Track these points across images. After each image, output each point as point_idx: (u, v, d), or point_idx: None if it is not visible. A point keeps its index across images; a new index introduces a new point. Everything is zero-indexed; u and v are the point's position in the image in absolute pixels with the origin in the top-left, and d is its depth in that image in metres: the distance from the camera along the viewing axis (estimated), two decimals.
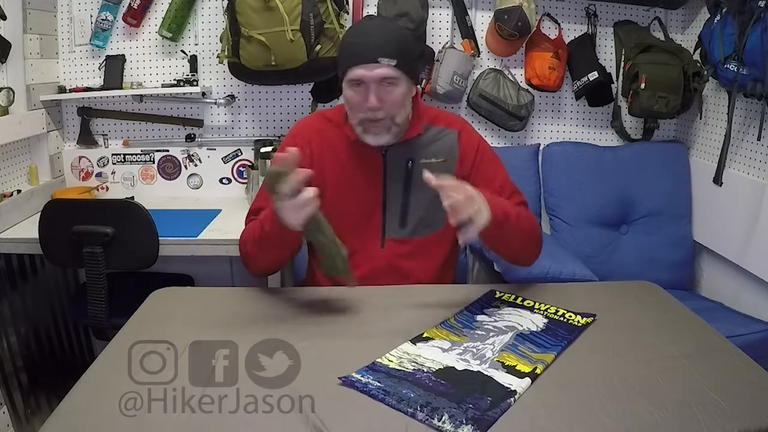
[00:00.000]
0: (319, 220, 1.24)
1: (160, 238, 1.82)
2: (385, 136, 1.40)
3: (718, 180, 2.13)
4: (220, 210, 2.24)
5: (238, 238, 1.48)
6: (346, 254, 1.26)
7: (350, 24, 2.29)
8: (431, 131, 1.49)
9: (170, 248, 1.90)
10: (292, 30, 1.99)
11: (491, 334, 1.20)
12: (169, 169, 2.47)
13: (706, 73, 2.08)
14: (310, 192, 1.18)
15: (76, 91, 2.32)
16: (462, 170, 1.48)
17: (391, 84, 1.35)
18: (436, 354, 1.11)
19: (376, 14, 2.27)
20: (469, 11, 2.36)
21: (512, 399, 0.97)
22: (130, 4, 2.28)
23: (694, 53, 2.20)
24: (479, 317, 1.28)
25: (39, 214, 1.82)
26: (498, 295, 1.39)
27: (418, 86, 2.06)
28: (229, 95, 2.40)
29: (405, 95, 1.39)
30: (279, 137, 2.40)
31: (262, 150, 2.22)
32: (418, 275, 1.48)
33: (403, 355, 1.10)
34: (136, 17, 2.30)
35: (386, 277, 1.45)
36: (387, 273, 1.46)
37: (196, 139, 2.44)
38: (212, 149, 2.45)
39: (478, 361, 1.09)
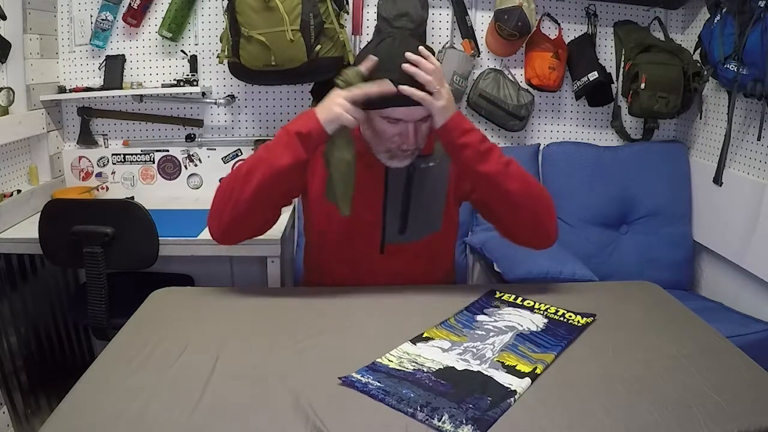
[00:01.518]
0: (350, 138, 1.28)
1: (160, 238, 1.82)
2: (409, 159, 1.39)
3: (718, 180, 2.13)
4: None
5: (248, 246, 1.45)
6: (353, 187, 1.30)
7: (350, 24, 2.29)
8: None
9: (170, 248, 1.90)
10: (292, 30, 1.99)
11: (491, 334, 1.20)
12: (169, 169, 2.47)
13: (706, 73, 2.08)
14: (359, 114, 1.26)
15: (76, 91, 2.32)
16: (456, 172, 1.48)
17: (425, 120, 1.33)
18: (436, 354, 1.11)
19: (377, 15, 2.27)
20: (469, 11, 2.36)
21: (512, 399, 0.97)
22: (130, 4, 2.28)
23: (694, 53, 2.20)
24: (479, 317, 1.28)
25: (39, 214, 1.82)
26: (498, 295, 1.39)
27: None
28: (229, 95, 2.40)
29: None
30: None
31: None
32: (417, 279, 1.47)
33: (403, 355, 1.10)
34: (136, 17, 2.30)
35: (385, 281, 1.45)
36: (386, 278, 1.46)
37: (196, 139, 2.44)
38: (212, 149, 2.45)
39: (478, 361, 1.09)
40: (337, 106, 1.26)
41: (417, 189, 1.46)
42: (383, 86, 1.24)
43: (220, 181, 1.44)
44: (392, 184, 1.45)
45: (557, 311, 1.30)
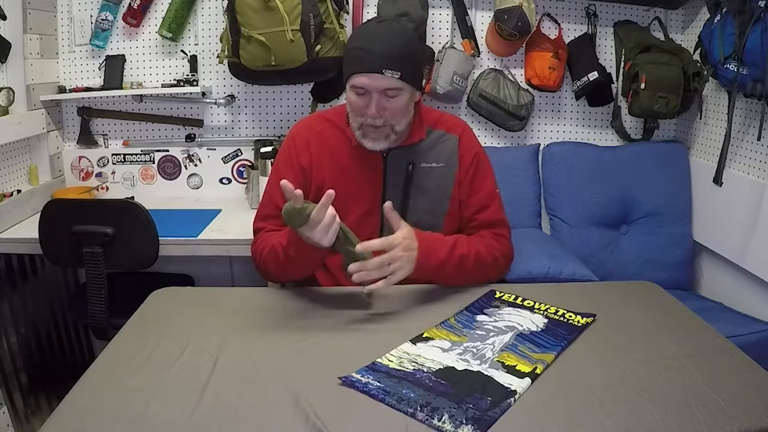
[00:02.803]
0: (346, 233, 1.28)
1: (160, 238, 1.82)
2: (383, 143, 1.41)
3: (718, 180, 2.13)
4: (220, 210, 2.24)
5: (249, 246, 1.51)
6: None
7: (350, 24, 2.29)
8: (432, 135, 1.50)
9: (170, 248, 1.90)
10: (292, 30, 1.99)
11: (491, 334, 1.20)
12: (169, 169, 2.47)
13: (706, 73, 2.08)
14: (332, 211, 1.22)
15: (76, 91, 2.32)
16: (460, 176, 1.49)
17: (393, 95, 1.36)
18: (436, 354, 1.11)
19: (377, 15, 2.27)
20: (469, 11, 2.36)
21: (512, 399, 0.97)
22: (130, 4, 2.28)
23: (694, 53, 2.20)
24: (479, 317, 1.28)
25: (39, 214, 1.82)
26: (498, 295, 1.39)
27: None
28: (229, 95, 2.40)
29: (407, 103, 1.40)
30: (279, 137, 2.40)
31: (262, 150, 2.22)
32: (415, 278, 1.47)
33: (403, 355, 1.10)
34: (136, 17, 2.30)
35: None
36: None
37: (196, 139, 2.44)
38: (212, 149, 2.45)
39: (478, 361, 1.09)
40: (320, 236, 1.24)
41: (417, 187, 1.46)
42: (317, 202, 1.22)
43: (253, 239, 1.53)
44: (391, 179, 1.46)
45: (557, 311, 1.30)
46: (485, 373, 1.05)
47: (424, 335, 1.18)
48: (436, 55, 2.31)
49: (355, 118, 1.40)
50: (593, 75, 2.33)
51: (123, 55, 2.34)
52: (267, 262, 1.41)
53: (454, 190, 1.49)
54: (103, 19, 2.30)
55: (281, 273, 1.42)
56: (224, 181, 2.48)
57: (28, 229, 1.96)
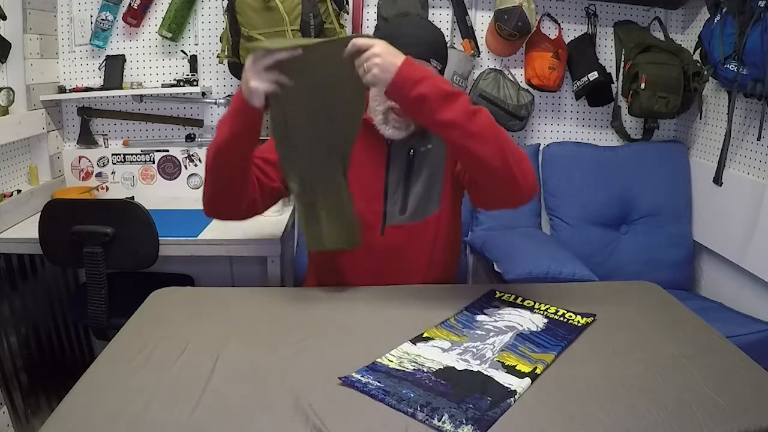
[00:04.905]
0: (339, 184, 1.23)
1: (160, 238, 1.82)
2: (404, 132, 1.42)
3: (718, 180, 2.13)
4: None
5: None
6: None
7: (350, 24, 2.29)
8: None
9: (170, 248, 1.90)
10: (292, 30, 1.99)
11: (491, 334, 1.20)
12: (169, 169, 2.47)
13: (706, 73, 2.09)
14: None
15: (76, 91, 2.31)
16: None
17: None
18: (436, 354, 1.11)
19: (377, 15, 2.27)
20: (469, 11, 2.36)
21: (512, 399, 0.97)
22: (130, 4, 2.28)
23: (694, 53, 2.21)
24: (479, 317, 1.28)
25: (39, 214, 1.82)
26: (498, 295, 1.39)
27: None
28: (229, 95, 2.40)
29: None
30: None
31: None
32: (415, 258, 1.48)
33: (403, 355, 1.10)
34: (136, 17, 2.30)
35: (384, 262, 1.46)
36: (385, 259, 1.46)
37: (196, 139, 2.44)
38: None
39: (478, 361, 1.09)
40: (248, 82, 1.22)
41: (417, 172, 1.47)
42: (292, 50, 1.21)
43: None
44: (393, 165, 1.46)
45: (557, 311, 1.30)
46: (485, 373, 1.05)
47: (424, 335, 1.18)
48: None
49: (383, 102, 1.39)
50: (593, 75, 2.33)
51: (123, 55, 2.34)
52: (207, 152, 1.35)
53: (447, 166, 1.48)
54: (103, 19, 2.30)
55: (212, 159, 1.33)
56: None
57: (28, 229, 1.96)
